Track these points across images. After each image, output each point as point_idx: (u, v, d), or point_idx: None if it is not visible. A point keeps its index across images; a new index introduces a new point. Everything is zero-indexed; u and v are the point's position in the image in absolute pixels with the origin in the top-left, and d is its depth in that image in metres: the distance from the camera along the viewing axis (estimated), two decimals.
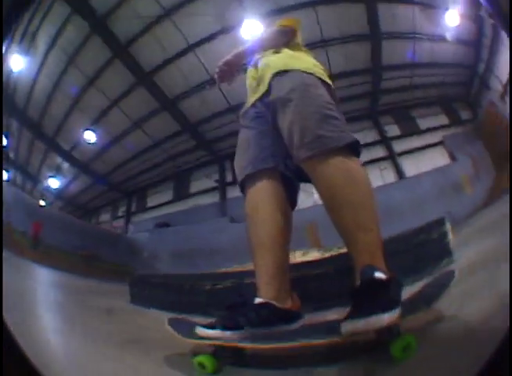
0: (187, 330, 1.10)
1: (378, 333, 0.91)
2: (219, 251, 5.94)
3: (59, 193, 8.22)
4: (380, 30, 5.11)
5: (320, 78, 1.45)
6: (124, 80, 6.89)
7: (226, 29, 5.50)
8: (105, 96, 6.88)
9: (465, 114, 4.64)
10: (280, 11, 5.10)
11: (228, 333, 1.03)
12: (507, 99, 3.63)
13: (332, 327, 0.96)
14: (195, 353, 1.07)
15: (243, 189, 1.48)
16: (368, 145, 5.07)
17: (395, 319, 0.85)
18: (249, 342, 0.96)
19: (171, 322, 1.21)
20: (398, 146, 4.98)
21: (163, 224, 8.02)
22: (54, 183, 7.60)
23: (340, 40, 5.36)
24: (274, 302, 1.11)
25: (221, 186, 6.78)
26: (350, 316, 0.90)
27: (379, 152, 5.05)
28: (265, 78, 1.53)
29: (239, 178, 1.48)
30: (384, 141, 5.05)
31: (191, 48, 6.00)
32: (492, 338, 0.79)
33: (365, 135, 5.08)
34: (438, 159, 4.55)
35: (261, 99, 1.55)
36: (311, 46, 4.80)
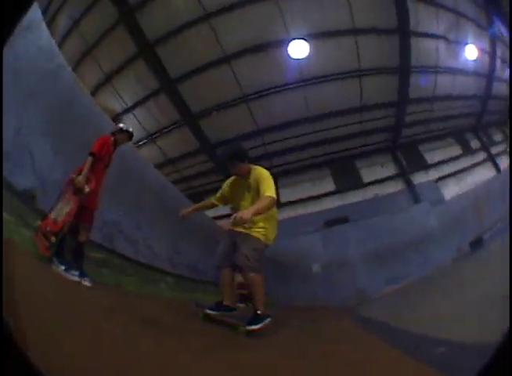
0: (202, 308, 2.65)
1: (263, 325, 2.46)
2: (431, 235, 6.17)
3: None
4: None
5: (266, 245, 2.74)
6: (146, 80, 5.80)
7: (267, 46, 5.54)
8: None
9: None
10: (324, 35, 5.59)
11: (215, 312, 2.58)
12: None
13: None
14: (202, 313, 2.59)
15: (218, 268, 2.74)
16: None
17: (268, 321, 2.46)
18: (218, 315, 2.55)
19: (197, 305, 2.90)
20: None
21: (338, 220, 5.85)
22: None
23: (375, 70, 6.14)
24: (229, 304, 2.65)
25: None
26: (247, 323, 2.43)
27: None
28: (244, 228, 2.64)
29: (217, 263, 2.74)
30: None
31: (226, 59, 5.81)
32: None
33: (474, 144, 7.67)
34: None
35: (237, 234, 2.62)
36: (347, 75, 6.29)
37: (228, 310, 2.68)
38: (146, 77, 5.71)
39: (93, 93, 6.00)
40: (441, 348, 1.62)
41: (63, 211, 2.39)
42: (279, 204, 6.57)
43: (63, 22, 5.75)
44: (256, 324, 2.44)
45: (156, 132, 5.94)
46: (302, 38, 5.41)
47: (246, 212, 2.32)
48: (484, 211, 7.38)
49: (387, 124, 6.64)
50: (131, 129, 2.86)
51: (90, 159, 2.51)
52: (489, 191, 7.46)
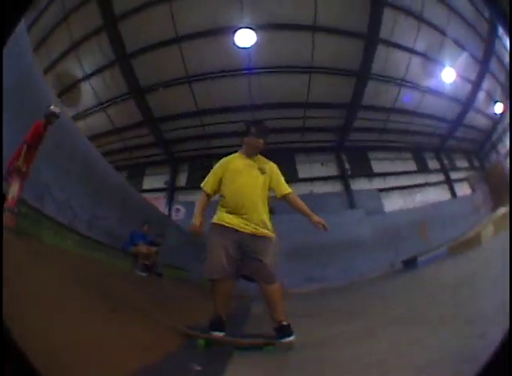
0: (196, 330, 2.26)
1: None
2: (360, 244, 6.12)
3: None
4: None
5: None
6: (105, 52, 6.10)
7: (219, 31, 5.65)
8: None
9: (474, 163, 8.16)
10: (279, 27, 5.61)
11: (216, 333, 2.15)
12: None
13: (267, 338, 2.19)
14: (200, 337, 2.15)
15: (213, 280, 2.27)
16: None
17: (294, 338, 2.06)
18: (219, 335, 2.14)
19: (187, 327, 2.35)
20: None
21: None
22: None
23: (328, 70, 6.18)
24: (223, 317, 2.21)
25: (171, 189, 6.71)
26: (278, 338, 2.13)
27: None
28: (257, 225, 2.31)
29: (216, 276, 2.25)
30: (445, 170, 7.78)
31: (178, 40, 5.93)
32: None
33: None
34: (466, 189, 7.79)
35: (246, 235, 2.25)
36: (296, 69, 6.34)
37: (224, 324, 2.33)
38: (106, 49, 6.11)
39: (60, 58, 6.50)
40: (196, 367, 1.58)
41: (14, 189, 3.17)
42: None
43: None
44: (290, 335, 2.16)
45: (107, 101, 6.28)
46: (255, 27, 5.57)
47: (319, 218, 2.30)
48: (429, 232, 7.16)
49: (336, 125, 6.65)
50: (58, 111, 3.51)
51: (24, 147, 3.22)
52: (439, 214, 7.24)
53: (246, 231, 2.27)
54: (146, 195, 6.48)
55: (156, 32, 5.86)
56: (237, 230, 2.28)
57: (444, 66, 7.18)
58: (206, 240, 2.37)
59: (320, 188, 6.57)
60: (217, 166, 2.54)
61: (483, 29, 7.40)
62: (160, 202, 6.46)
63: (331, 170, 6.79)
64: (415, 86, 6.90)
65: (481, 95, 7.84)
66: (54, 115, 3.44)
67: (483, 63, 7.55)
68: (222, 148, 6.42)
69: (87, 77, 6.36)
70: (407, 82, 6.77)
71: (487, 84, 7.76)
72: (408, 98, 7.32)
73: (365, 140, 7.09)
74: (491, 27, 7.34)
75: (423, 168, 7.60)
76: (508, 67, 7.41)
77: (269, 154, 6.94)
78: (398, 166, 7.30)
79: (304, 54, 5.81)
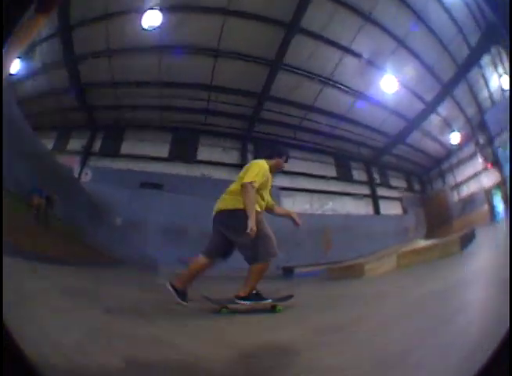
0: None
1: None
2: None
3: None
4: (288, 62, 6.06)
5: None
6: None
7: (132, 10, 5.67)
8: None
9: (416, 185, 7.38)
10: (187, 9, 5.60)
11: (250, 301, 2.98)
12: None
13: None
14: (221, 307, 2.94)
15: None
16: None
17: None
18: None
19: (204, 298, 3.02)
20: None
21: (153, 185, 6.38)
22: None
23: (237, 55, 6.02)
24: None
25: (85, 153, 6.67)
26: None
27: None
28: None
29: (275, 256, 3.08)
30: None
31: (106, 16, 5.97)
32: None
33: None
34: (396, 209, 7.08)
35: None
36: (202, 51, 6.08)
37: None
38: (54, 19, 6.91)
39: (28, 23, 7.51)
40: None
41: None
42: (118, 154, 7.07)
43: None
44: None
45: (50, 65, 7.05)
46: (163, 8, 5.86)
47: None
48: (333, 244, 6.56)
49: (243, 113, 6.52)
50: None
51: None
52: (352, 228, 6.64)
53: None
54: (66, 156, 7.04)
55: (95, 7, 6.48)
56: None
57: (385, 73, 6.71)
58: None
59: (215, 173, 6.52)
60: (266, 169, 3.03)
61: (461, 52, 6.73)
62: (75, 163, 6.96)
63: (232, 158, 6.66)
64: (344, 88, 6.55)
65: (435, 119, 7.08)
66: None
67: (446, 87, 6.87)
68: (134, 120, 6.80)
69: (41, 41, 7.20)
70: (334, 82, 6.45)
71: (446, 109, 7.00)
72: (360, 104, 6.97)
73: (277, 135, 6.86)
74: (473, 53, 6.65)
75: (344, 177, 7.09)
76: (480, 101, 6.65)
77: (175, 131, 7.13)
78: (313, 168, 6.91)
79: (211, 37, 5.94)
